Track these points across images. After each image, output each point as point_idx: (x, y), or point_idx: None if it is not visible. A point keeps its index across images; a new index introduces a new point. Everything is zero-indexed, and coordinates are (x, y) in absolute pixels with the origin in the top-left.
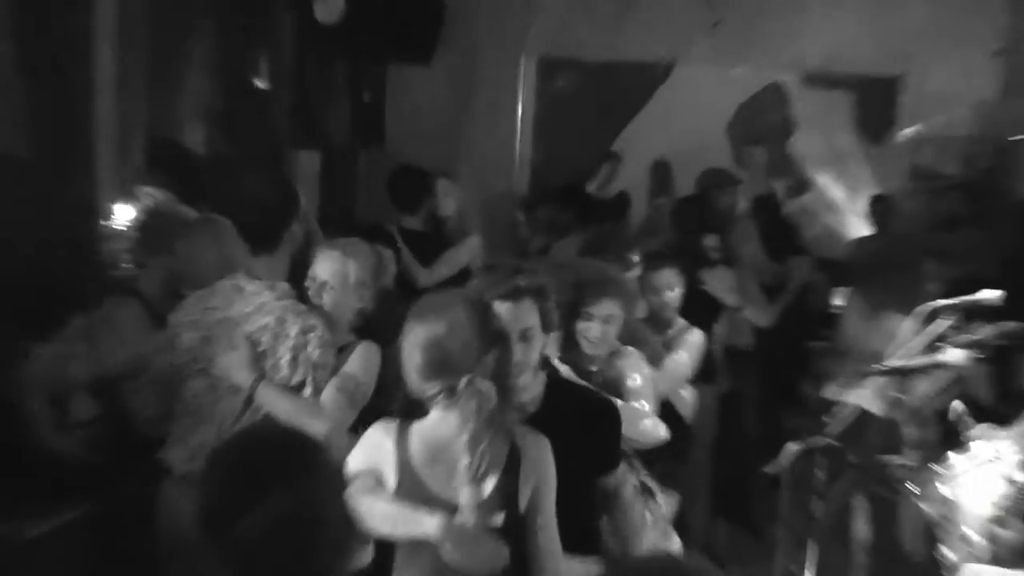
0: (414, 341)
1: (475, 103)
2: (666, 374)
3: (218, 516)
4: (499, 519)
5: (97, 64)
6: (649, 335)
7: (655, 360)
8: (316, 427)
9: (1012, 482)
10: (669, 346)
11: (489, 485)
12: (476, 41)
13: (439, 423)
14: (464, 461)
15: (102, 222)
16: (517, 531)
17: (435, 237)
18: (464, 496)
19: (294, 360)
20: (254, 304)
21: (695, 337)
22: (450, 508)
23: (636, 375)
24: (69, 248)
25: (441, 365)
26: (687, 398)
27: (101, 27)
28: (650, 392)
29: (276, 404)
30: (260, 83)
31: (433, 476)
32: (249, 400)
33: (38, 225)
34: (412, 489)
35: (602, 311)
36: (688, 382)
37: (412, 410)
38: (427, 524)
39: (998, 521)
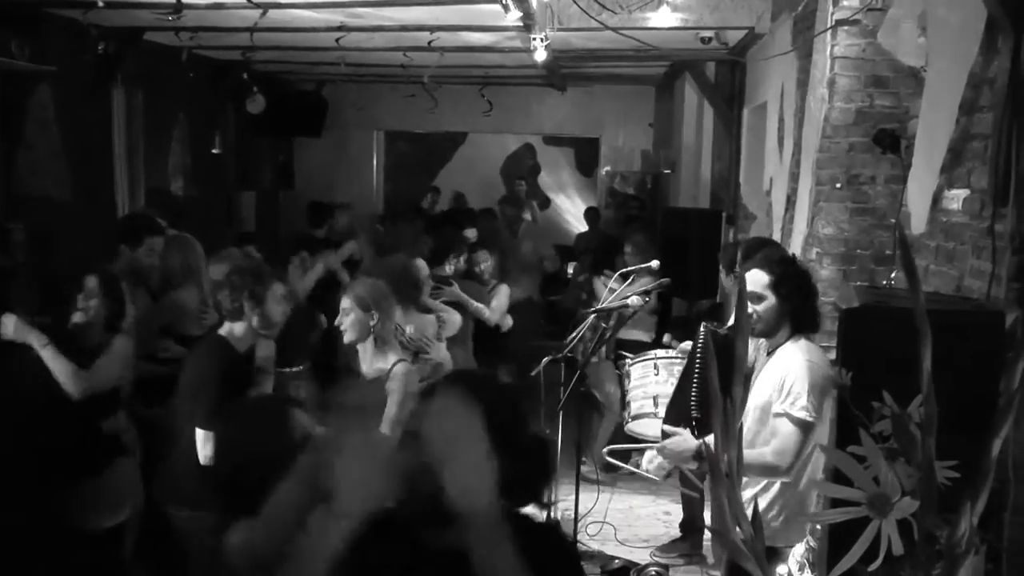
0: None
1: (349, 160)
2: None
3: None
4: None
5: (114, 141)
6: (478, 287)
7: (482, 298)
8: None
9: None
10: (491, 293)
11: None
12: (347, 122)
13: None
14: None
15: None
16: None
17: (332, 242)
18: None
19: None
20: None
21: (504, 288)
22: None
23: (502, 296)
24: (102, 256)
25: None
26: (505, 321)
27: (116, 118)
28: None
29: None
30: (216, 151)
31: None
32: None
33: (82, 243)
34: None
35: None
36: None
37: None
38: None
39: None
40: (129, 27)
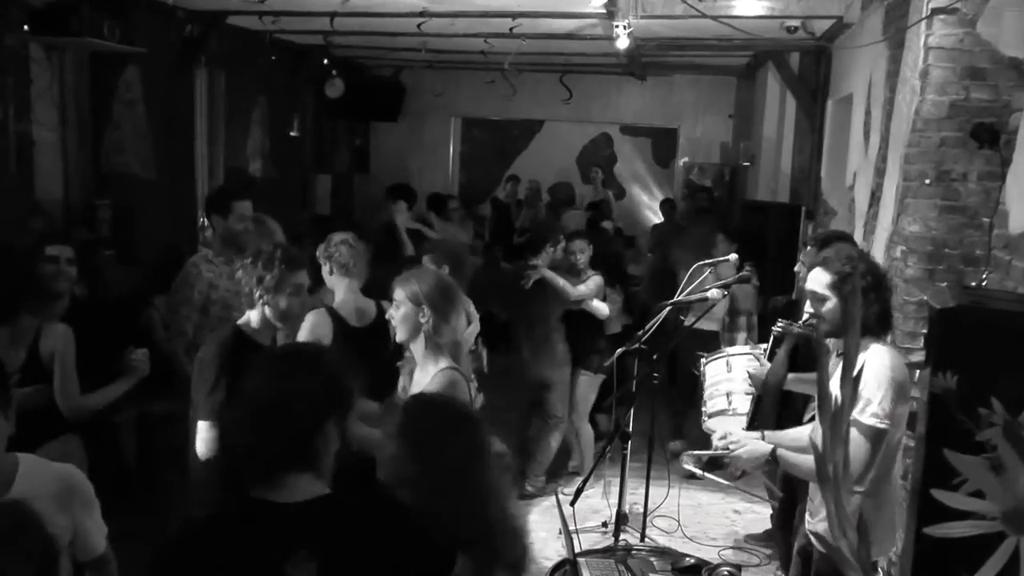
0: None
1: (424, 145)
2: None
3: None
4: None
5: (196, 122)
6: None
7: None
8: None
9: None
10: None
11: None
12: (424, 108)
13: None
14: None
15: (200, 218)
16: None
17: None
18: None
19: None
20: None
21: (598, 278)
22: None
23: (591, 283)
24: (181, 233)
25: None
26: (599, 308)
27: (198, 101)
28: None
29: None
30: (293, 133)
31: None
32: None
33: (163, 220)
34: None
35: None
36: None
37: None
38: None
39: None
40: (213, 10)
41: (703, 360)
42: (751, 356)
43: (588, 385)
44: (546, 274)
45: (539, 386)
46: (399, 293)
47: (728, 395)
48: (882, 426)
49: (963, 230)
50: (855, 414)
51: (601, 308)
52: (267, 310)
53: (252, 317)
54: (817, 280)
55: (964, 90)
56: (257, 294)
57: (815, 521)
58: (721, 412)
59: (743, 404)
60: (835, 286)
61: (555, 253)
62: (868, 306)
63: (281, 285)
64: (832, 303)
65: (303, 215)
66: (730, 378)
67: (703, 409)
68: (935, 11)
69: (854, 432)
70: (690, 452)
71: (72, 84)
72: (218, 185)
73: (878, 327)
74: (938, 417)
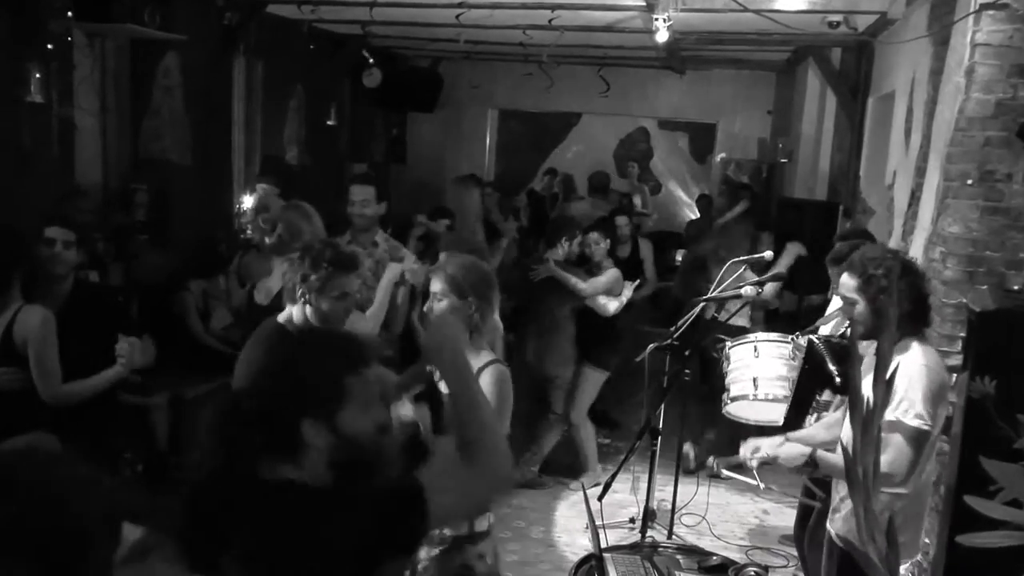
0: None
1: (461, 137)
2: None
3: None
4: None
5: (233, 110)
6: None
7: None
8: None
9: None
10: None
11: None
12: (461, 99)
13: None
14: None
15: (235, 204)
16: None
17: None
18: None
19: None
20: None
21: (612, 272)
22: None
23: (603, 277)
24: (216, 219)
25: None
26: (604, 305)
27: (236, 89)
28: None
29: None
30: (330, 122)
31: None
32: None
33: (198, 206)
34: None
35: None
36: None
37: None
38: None
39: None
40: None
41: (727, 344)
42: (779, 343)
43: (592, 381)
44: (554, 270)
45: (543, 380)
46: (437, 284)
47: (755, 380)
48: (926, 427)
49: (1005, 232)
50: (899, 415)
51: (606, 306)
52: (308, 310)
53: (293, 313)
54: (845, 285)
55: (1011, 88)
56: (300, 291)
57: (835, 519)
58: (743, 397)
59: (770, 390)
60: (861, 289)
61: (571, 247)
62: (899, 304)
63: (326, 287)
64: (861, 306)
65: (339, 204)
66: (757, 363)
67: (724, 395)
68: (983, 6)
69: (898, 434)
70: (722, 459)
71: (113, 70)
72: (255, 172)
73: (912, 325)
74: (974, 422)
